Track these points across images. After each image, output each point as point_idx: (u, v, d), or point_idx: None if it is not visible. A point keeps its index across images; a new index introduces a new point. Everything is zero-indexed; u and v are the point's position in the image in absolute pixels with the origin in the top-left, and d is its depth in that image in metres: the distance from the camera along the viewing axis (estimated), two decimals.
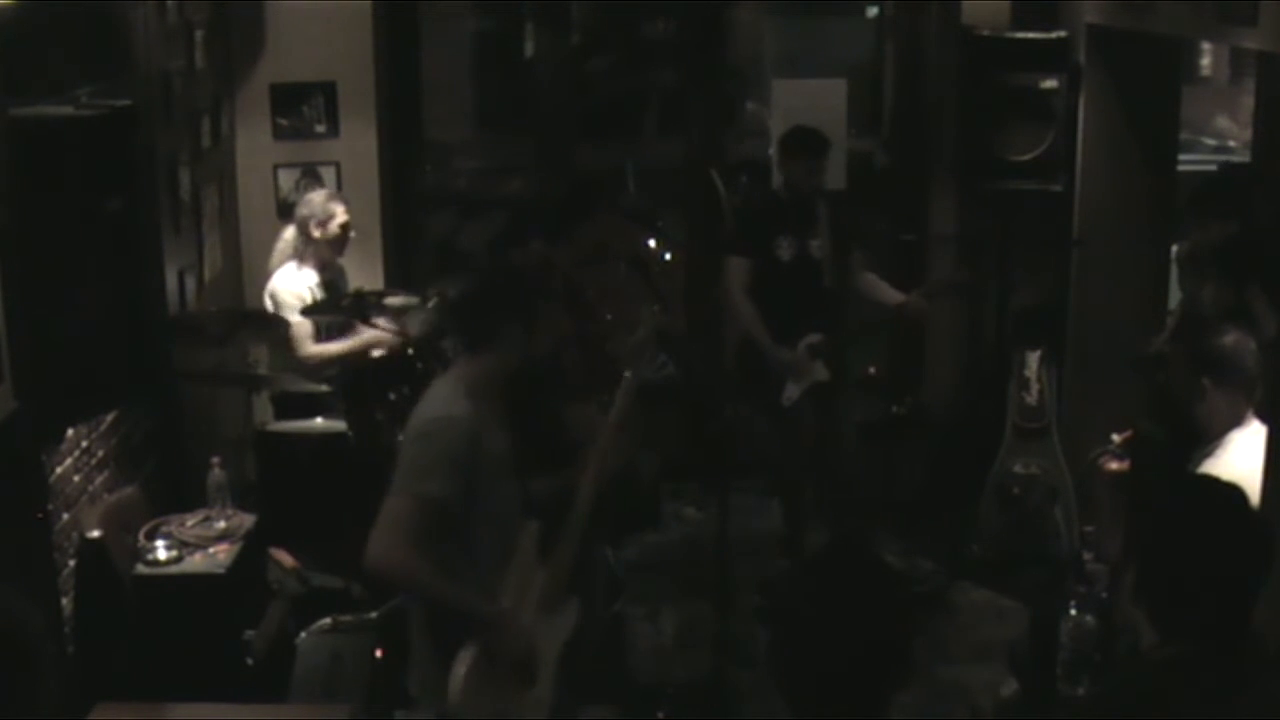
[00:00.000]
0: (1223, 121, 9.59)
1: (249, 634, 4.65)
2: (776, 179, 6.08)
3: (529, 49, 8.07)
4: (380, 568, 3.56)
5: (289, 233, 6.04)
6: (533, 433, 3.98)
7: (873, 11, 8.13)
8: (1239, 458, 3.75)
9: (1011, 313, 6.48)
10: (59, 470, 4.53)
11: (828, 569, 2.39)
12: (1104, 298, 6.33)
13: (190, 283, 5.61)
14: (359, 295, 5.90)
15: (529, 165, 7.79)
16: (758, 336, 5.84)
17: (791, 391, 5.88)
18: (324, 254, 5.96)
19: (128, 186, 4.27)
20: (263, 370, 5.86)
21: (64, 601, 4.42)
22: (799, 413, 5.93)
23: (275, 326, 5.72)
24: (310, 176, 6.49)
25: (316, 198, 6.04)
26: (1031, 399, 6.19)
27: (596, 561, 4.95)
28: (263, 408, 6.00)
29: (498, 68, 8.86)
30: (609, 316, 6.15)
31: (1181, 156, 6.80)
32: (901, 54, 7.41)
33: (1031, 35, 6.20)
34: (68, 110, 4.16)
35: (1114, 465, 4.75)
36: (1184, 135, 7.08)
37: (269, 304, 5.90)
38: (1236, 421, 3.86)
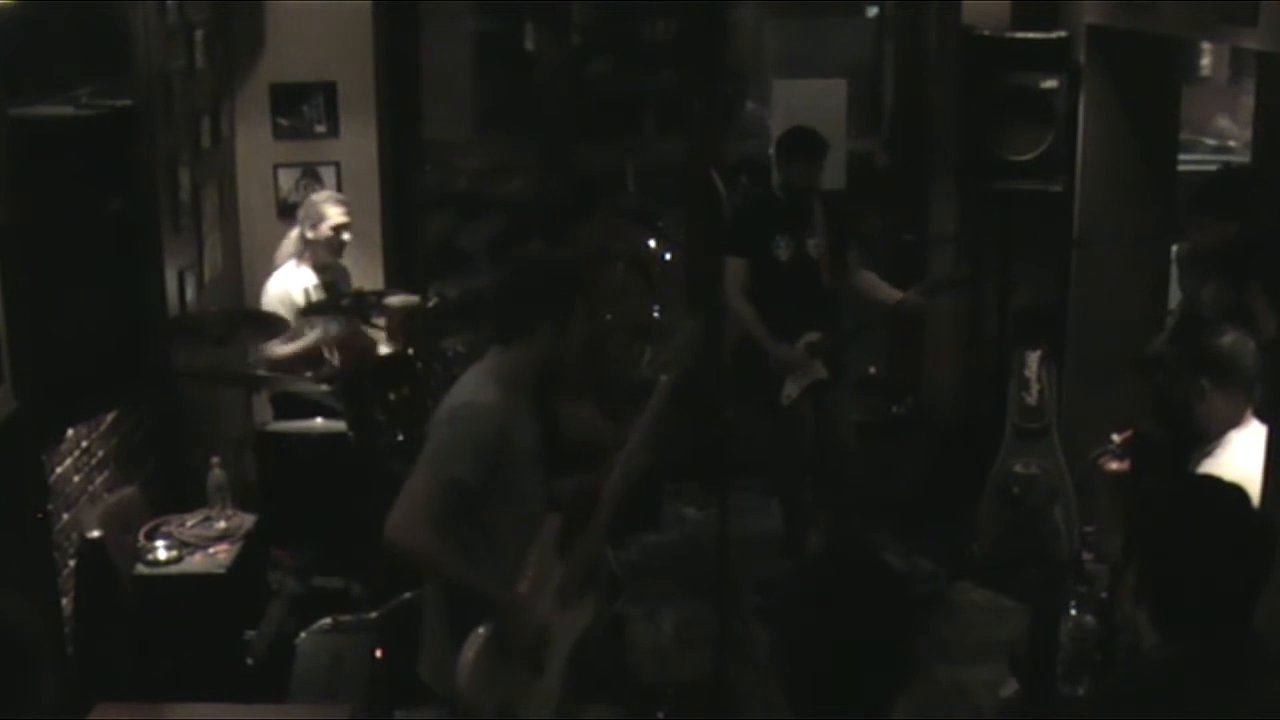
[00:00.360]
0: (1223, 121, 9.59)
1: (249, 634, 4.65)
2: (775, 179, 6.08)
3: (529, 48, 8.07)
4: (397, 544, 3.60)
5: (294, 233, 6.07)
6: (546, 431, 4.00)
7: (873, 11, 8.14)
8: (1238, 458, 3.75)
9: (1011, 313, 6.48)
10: (59, 470, 4.53)
11: (828, 569, 2.39)
12: (1104, 298, 6.33)
13: (190, 283, 5.61)
14: (359, 295, 5.92)
15: (529, 165, 7.79)
16: (757, 333, 5.84)
17: (790, 390, 5.88)
18: (320, 255, 5.97)
19: (128, 186, 4.27)
20: (263, 370, 5.86)
21: (64, 601, 4.42)
22: (798, 412, 5.93)
23: (276, 326, 5.72)
24: (310, 176, 6.49)
25: (315, 198, 6.06)
26: (1031, 399, 6.19)
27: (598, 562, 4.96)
28: (263, 408, 6.00)
29: (498, 68, 8.87)
30: (609, 317, 6.17)
31: (1181, 156, 6.80)
32: (901, 54, 7.41)
33: (1031, 35, 6.20)
34: (68, 110, 4.16)
35: (1114, 465, 4.74)
36: (1184, 135, 7.08)
37: (265, 304, 5.94)
38: (1236, 421, 3.86)
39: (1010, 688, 4.06)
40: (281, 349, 5.85)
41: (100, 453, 4.87)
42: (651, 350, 6.87)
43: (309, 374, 5.76)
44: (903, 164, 7.37)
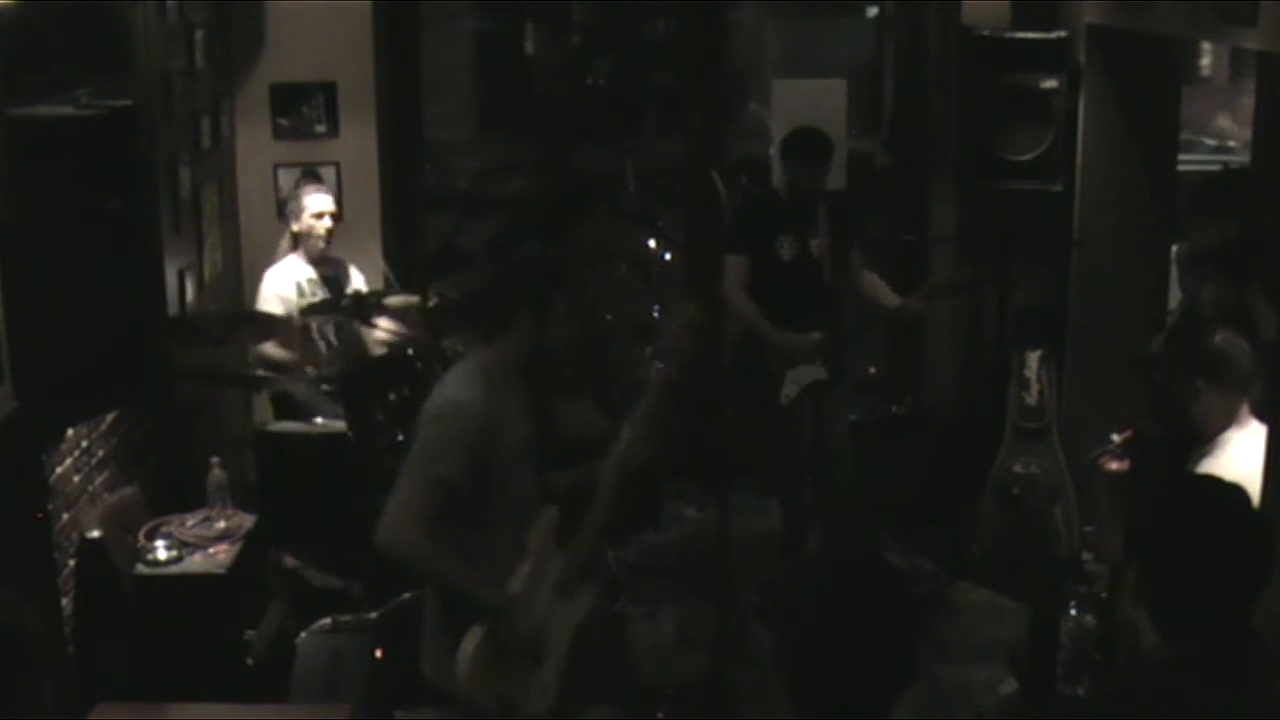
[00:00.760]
0: (1223, 121, 9.60)
1: (249, 634, 4.65)
2: (779, 179, 6.07)
3: (529, 49, 8.08)
4: (389, 547, 3.61)
5: (288, 229, 6.10)
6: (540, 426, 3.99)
7: (873, 11, 8.15)
8: (1237, 458, 3.75)
9: (1011, 313, 6.48)
10: (59, 470, 4.53)
11: (828, 569, 2.39)
12: (1104, 298, 6.33)
13: (190, 283, 5.61)
14: (359, 295, 5.92)
15: (529, 165, 7.80)
16: (758, 325, 5.82)
17: (789, 390, 5.88)
18: (309, 248, 5.99)
19: (128, 186, 4.27)
20: (262, 370, 5.87)
21: (64, 601, 4.42)
22: (797, 411, 5.93)
23: (276, 326, 5.73)
24: (310, 176, 6.49)
25: (300, 190, 6.09)
26: (1031, 399, 6.19)
27: (599, 560, 4.96)
28: (263, 408, 6.00)
29: (498, 68, 8.88)
30: (609, 317, 6.16)
31: (1181, 156, 6.80)
32: (901, 54, 7.41)
33: (1031, 35, 6.20)
34: (68, 110, 4.16)
35: (1114, 465, 4.74)
36: (1184, 135, 7.08)
37: (260, 301, 5.96)
38: (1232, 422, 3.86)
39: (1010, 687, 4.06)
40: (269, 351, 5.87)
41: (100, 453, 4.87)
42: (652, 350, 6.86)
43: (310, 373, 5.77)
44: (903, 164, 7.38)
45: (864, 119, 7.50)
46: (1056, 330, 6.43)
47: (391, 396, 5.27)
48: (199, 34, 5.87)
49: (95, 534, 4.49)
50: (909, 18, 7.28)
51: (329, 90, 6.51)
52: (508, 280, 3.86)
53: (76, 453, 4.68)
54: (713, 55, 7.31)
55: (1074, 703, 3.54)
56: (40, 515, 4.17)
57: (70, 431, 4.56)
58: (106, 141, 4.16)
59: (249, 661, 4.58)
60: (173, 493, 5.16)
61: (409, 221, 7.05)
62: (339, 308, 5.87)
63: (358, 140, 6.56)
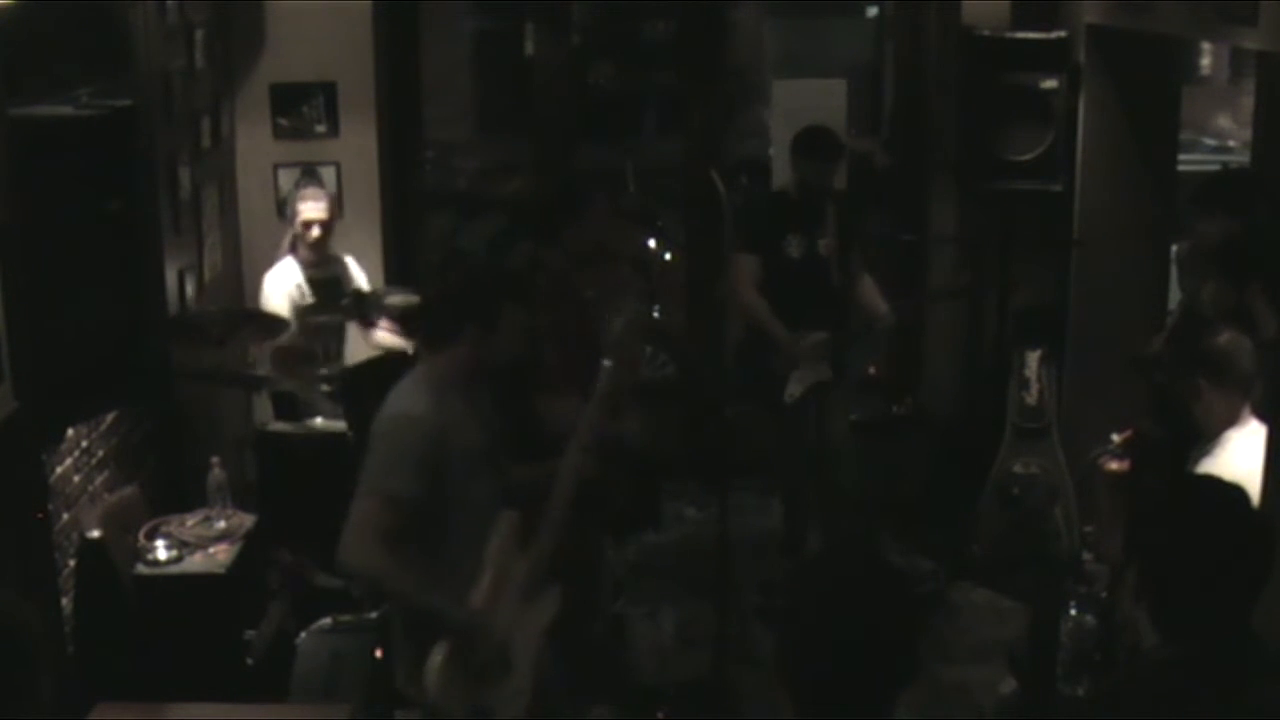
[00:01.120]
0: (1223, 121, 9.60)
1: (249, 634, 4.65)
2: (790, 177, 6.02)
3: (529, 49, 8.08)
4: (350, 566, 3.61)
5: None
6: (515, 427, 3.99)
7: (873, 11, 8.15)
8: (1237, 458, 3.75)
9: (1011, 313, 6.48)
10: (59, 470, 4.53)
11: (829, 569, 2.39)
12: (1104, 298, 6.33)
13: (190, 283, 5.61)
14: (359, 295, 5.92)
15: (529, 165, 7.79)
16: (769, 326, 5.81)
17: (794, 389, 5.87)
18: (303, 250, 5.99)
19: (128, 186, 4.27)
20: (262, 370, 5.87)
21: (64, 601, 4.42)
22: (800, 411, 5.93)
23: (276, 326, 5.73)
24: (310, 176, 6.49)
25: (299, 192, 6.09)
26: (1031, 399, 6.19)
27: (599, 559, 4.96)
28: (263, 408, 6.00)
29: (498, 68, 8.88)
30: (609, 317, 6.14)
31: (1181, 156, 6.80)
32: (901, 54, 7.41)
33: (1031, 35, 6.20)
34: (68, 110, 4.16)
35: (1114, 465, 4.74)
36: (1184, 135, 7.08)
37: (260, 301, 5.96)
38: (1233, 421, 3.86)
39: (1010, 687, 4.06)
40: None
41: (100, 453, 4.87)
42: (651, 350, 6.87)
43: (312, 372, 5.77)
44: (903, 164, 7.37)
45: (864, 119, 7.50)
46: (1056, 330, 6.43)
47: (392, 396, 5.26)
48: (199, 34, 5.87)
49: (95, 534, 4.48)
50: (909, 18, 7.28)
51: (329, 90, 6.51)
52: (454, 291, 3.83)
53: (76, 453, 4.68)
54: (713, 55, 7.31)
55: (1074, 703, 3.54)
56: (40, 515, 4.17)
57: (70, 431, 4.56)
58: (106, 141, 4.16)
59: (249, 661, 4.58)
60: (173, 493, 5.16)
61: (409, 221, 7.05)
62: (339, 307, 5.87)
63: (358, 140, 6.56)
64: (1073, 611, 3.59)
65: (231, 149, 6.45)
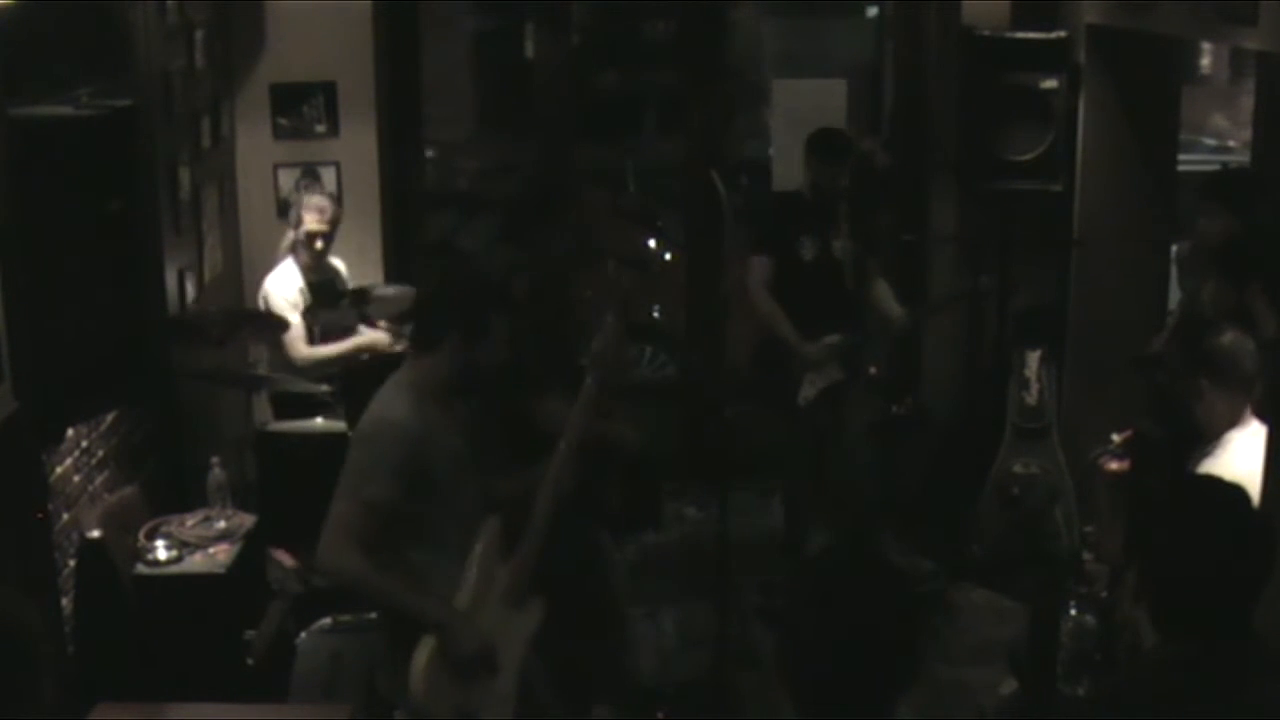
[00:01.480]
0: (1221, 121, 9.60)
1: (249, 634, 4.64)
2: (803, 179, 6.01)
3: (529, 49, 8.08)
4: (329, 571, 3.63)
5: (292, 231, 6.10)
6: (503, 430, 3.99)
7: (873, 11, 8.14)
8: (1238, 458, 3.75)
9: (1011, 313, 6.48)
10: (59, 470, 4.53)
11: (830, 569, 2.39)
12: (1104, 298, 6.33)
13: (190, 283, 5.61)
14: (359, 294, 5.92)
15: (529, 165, 7.79)
16: (783, 331, 5.79)
17: (808, 392, 5.87)
18: (305, 255, 5.99)
19: (128, 186, 4.27)
20: (263, 370, 5.87)
21: (64, 601, 4.42)
22: (814, 413, 5.92)
23: (275, 326, 5.73)
24: (310, 176, 6.49)
25: (303, 199, 6.09)
26: (1031, 399, 6.19)
27: (599, 560, 4.96)
28: (263, 408, 6.00)
29: (498, 68, 8.88)
30: (609, 317, 6.14)
31: (1181, 156, 6.81)
32: (901, 54, 7.41)
33: (1031, 35, 6.20)
34: (68, 110, 4.16)
35: (1114, 465, 4.75)
36: (1184, 135, 7.09)
37: (261, 302, 5.95)
38: (1235, 422, 3.85)
39: (1010, 688, 4.06)
40: (319, 350, 5.88)
41: (100, 453, 4.87)
42: (651, 350, 6.88)
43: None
44: (903, 164, 7.37)
45: (864, 119, 7.49)
46: (1056, 330, 6.43)
47: None
48: (199, 34, 5.87)
49: (95, 534, 4.48)
50: (909, 18, 7.28)
51: (329, 90, 6.51)
52: (443, 296, 3.84)
53: (76, 453, 4.68)
54: (713, 55, 7.31)
55: (1074, 703, 3.54)
56: (40, 515, 4.17)
57: (70, 431, 4.56)
58: (106, 141, 4.16)
59: (249, 661, 4.58)
60: (173, 493, 5.16)
61: (409, 221, 7.05)
62: (339, 307, 5.87)
63: (358, 140, 6.56)
64: (1073, 611, 3.59)
65: (231, 149, 6.45)
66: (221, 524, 4.73)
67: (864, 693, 2.23)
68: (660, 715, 5.12)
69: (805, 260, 5.87)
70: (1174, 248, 6.22)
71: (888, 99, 7.59)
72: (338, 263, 6.18)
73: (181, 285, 5.50)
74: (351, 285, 6.13)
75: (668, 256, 7.34)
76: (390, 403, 3.66)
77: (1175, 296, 6.05)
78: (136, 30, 5.13)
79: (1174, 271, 6.14)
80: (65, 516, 4.55)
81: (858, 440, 6.12)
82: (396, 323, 5.84)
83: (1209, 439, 3.88)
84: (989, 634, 5.64)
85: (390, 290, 5.96)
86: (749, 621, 5.50)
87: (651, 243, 7.29)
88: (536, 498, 3.81)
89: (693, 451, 6.77)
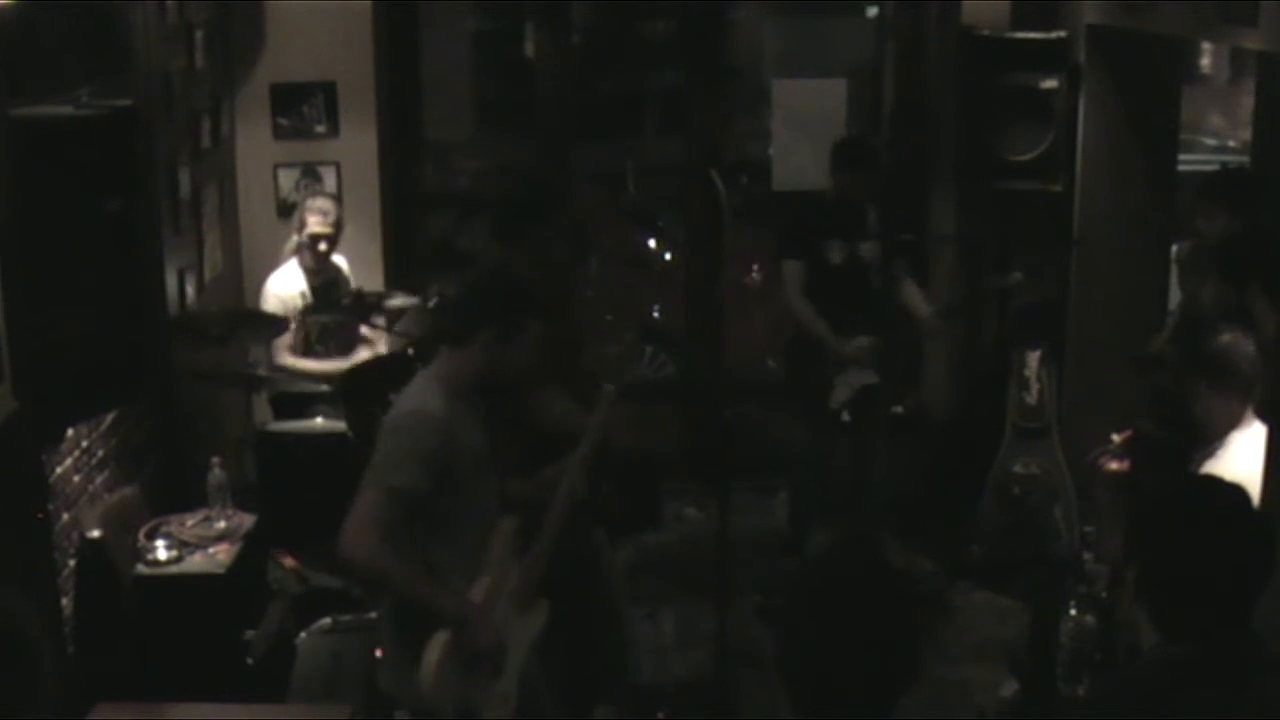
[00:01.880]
0: (1219, 120, 9.60)
1: (249, 634, 4.64)
2: (829, 185, 6.02)
3: (529, 49, 8.06)
4: (350, 559, 3.60)
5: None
6: (508, 430, 4.00)
7: (873, 11, 8.12)
8: (1239, 459, 3.75)
9: (1011, 313, 6.48)
10: (59, 470, 4.53)
11: (831, 569, 2.39)
12: (1104, 298, 6.33)
13: (190, 283, 5.61)
14: (359, 295, 5.92)
15: (529, 165, 7.78)
16: (818, 331, 5.83)
17: (840, 394, 5.88)
18: (308, 257, 5.99)
19: (128, 186, 4.27)
20: (263, 370, 5.87)
21: (64, 601, 4.42)
22: (842, 416, 5.93)
23: (275, 326, 5.73)
24: (310, 176, 6.50)
25: (307, 202, 6.09)
26: (1031, 399, 6.19)
27: (600, 562, 4.96)
28: (263, 408, 6.00)
29: (498, 68, 8.86)
30: (609, 317, 6.17)
31: (1181, 156, 6.81)
32: (901, 54, 7.40)
33: (1031, 35, 6.20)
34: (68, 110, 4.16)
35: (1114, 465, 4.75)
36: (1184, 135, 7.09)
37: (261, 303, 5.96)
38: (1235, 423, 3.85)
39: (1010, 688, 4.06)
40: (299, 363, 5.90)
41: (100, 453, 4.87)
42: (651, 350, 6.86)
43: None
44: (903, 164, 7.37)
45: (864, 119, 7.49)
46: (1056, 330, 6.43)
47: (391, 396, 5.25)
48: (199, 34, 5.87)
49: (95, 534, 4.48)
50: (909, 18, 7.28)
51: (329, 90, 6.51)
52: (478, 293, 3.86)
53: (76, 453, 4.68)
54: (713, 55, 7.31)
55: (1074, 703, 3.54)
56: (40, 515, 4.17)
57: (70, 431, 4.56)
58: (106, 141, 4.16)
59: (249, 661, 4.58)
60: (173, 493, 5.15)
61: (409, 221, 7.05)
62: (339, 308, 5.87)
63: (358, 140, 6.56)
64: (1073, 611, 3.59)
65: (231, 149, 6.46)
66: (221, 524, 4.73)
67: (864, 693, 2.23)
68: (660, 715, 5.13)
69: (833, 264, 5.89)
70: (1174, 248, 6.22)
71: (888, 99, 7.59)
72: (341, 262, 6.18)
73: (181, 285, 5.50)
74: (353, 286, 6.13)
75: (668, 256, 7.33)
76: (423, 395, 3.69)
77: (1175, 296, 6.06)
78: (136, 30, 5.13)
79: (1174, 271, 6.14)
80: (65, 516, 4.55)
81: (879, 442, 6.14)
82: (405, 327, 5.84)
83: (1209, 439, 3.87)
84: (989, 634, 5.64)
85: (398, 299, 5.97)
86: (749, 621, 5.50)
87: (651, 243, 7.28)
88: (552, 500, 3.83)
89: (693, 451, 6.77)
